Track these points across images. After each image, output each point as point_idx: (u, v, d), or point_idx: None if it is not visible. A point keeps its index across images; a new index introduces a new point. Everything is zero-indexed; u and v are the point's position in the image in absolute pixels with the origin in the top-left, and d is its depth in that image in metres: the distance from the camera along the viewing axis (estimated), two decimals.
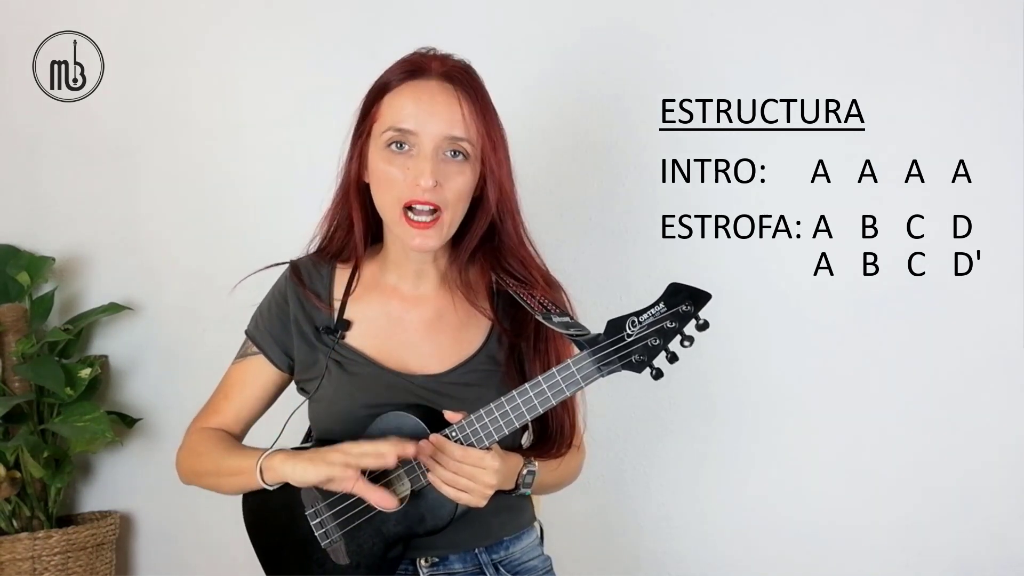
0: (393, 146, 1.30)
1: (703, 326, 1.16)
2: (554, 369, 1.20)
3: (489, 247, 1.39)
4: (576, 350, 1.20)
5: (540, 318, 1.27)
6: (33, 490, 2.19)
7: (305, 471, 1.25)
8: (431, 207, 1.29)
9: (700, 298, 1.16)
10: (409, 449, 1.21)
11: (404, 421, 1.27)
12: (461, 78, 1.32)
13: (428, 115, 1.28)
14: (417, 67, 1.32)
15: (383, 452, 1.20)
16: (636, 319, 1.17)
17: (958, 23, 1.92)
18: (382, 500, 1.22)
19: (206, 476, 1.41)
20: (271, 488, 1.31)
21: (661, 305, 1.16)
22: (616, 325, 1.17)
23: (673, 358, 1.17)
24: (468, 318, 1.40)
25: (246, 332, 1.45)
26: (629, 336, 1.16)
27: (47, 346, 2.21)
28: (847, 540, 1.97)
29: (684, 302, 1.16)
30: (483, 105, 1.32)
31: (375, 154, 1.32)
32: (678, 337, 1.16)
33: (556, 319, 1.26)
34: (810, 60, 1.96)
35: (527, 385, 1.21)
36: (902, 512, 1.96)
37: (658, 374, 1.17)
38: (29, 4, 2.31)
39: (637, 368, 1.17)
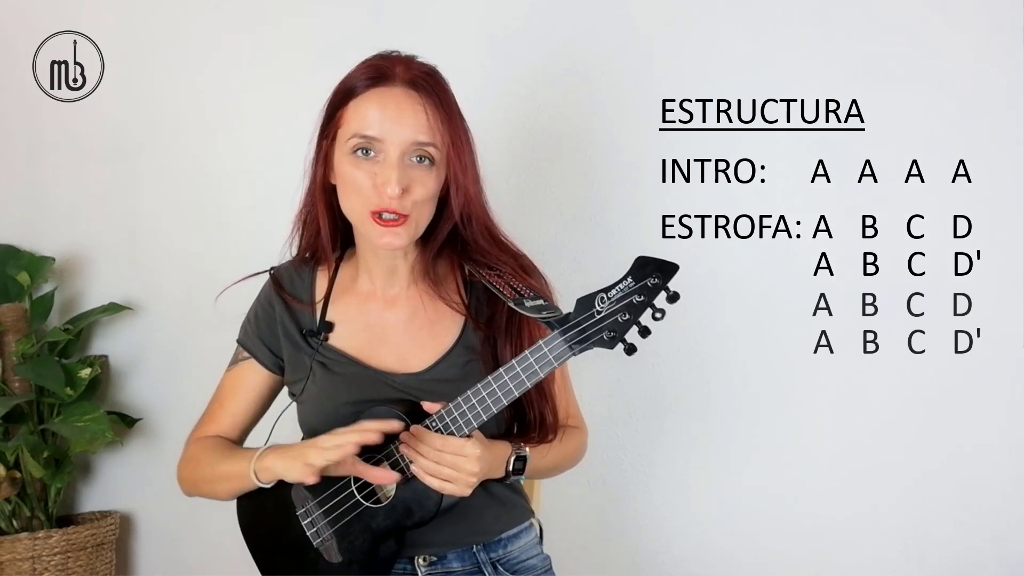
0: (359, 152, 1.31)
1: (673, 298, 1.15)
2: (527, 351, 1.20)
3: (456, 244, 1.40)
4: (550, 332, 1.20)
5: (512, 304, 1.28)
6: (33, 490, 2.19)
7: (289, 470, 1.27)
8: (398, 214, 1.30)
9: (668, 270, 1.15)
10: (374, 427, 1.23)
11: (386, 415, 1.28)
12: (425, 84, 1.32)
13: (393, 122, 1.29)
14: (382, 73, 1.32)
15: (350, 439, 1.23)
16: (605, 295, 1.16)
17: (958, 23, 1.92)
18: (382, 477, 1.24)
19: (204, 484, 1.43)
20: (267, 487, 1.32)
21: (629, 279, 1.16)
22: (585, 302, 1.17)
23: (645, 332, 1.16)
24: (443, 312, 1.41)
25: (237, 340, 1.48)
26: (599, 313, 1.16)
27: (47, 346, 2.21)
28: (847, 539, 1.97)
29: (652, 275, 1.15)
30: (448, 111, 1.32)
31: (341, 159, 1.33)
32: (649, 311, 1.15)
33: (528, 303, 1.26)
34: (810, 60, 1.96)
35: (502, 370, 1.22)
36: (902, 511, 1.96)
37: (631, 349, 1.16)
38: (29, 4, 2.31)
39: (609, 345, 1.17)
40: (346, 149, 1.32)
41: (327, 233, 1.40)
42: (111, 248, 2.31)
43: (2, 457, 2.13)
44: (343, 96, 1.34)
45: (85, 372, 2.16)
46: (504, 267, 1.37)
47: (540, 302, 1.28)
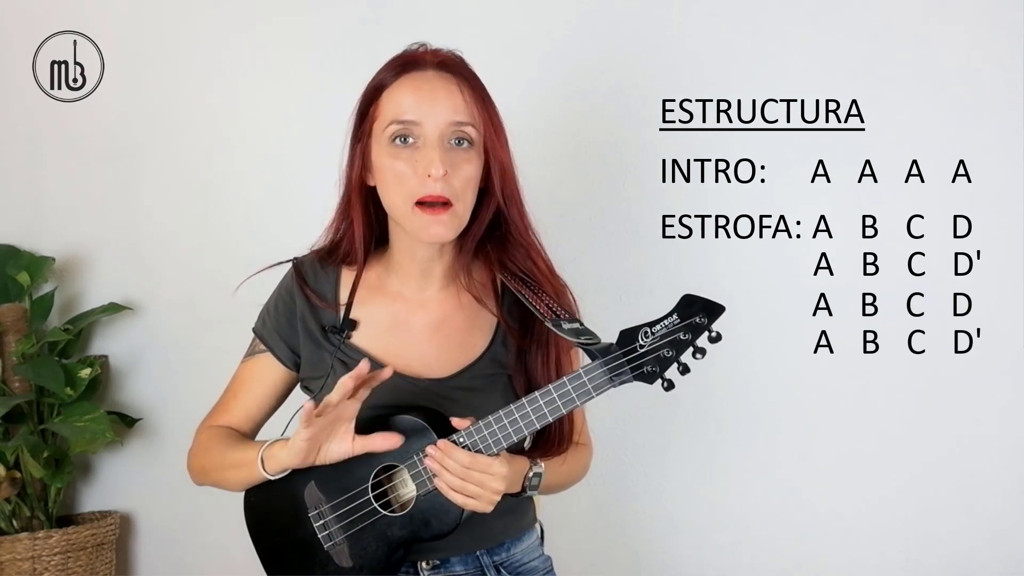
0: (398, 140, 1.29)
1: (716, 338, 1.14)
2: (565, 378, 1.19)
3: (495, 239, 1.38)
4: (582, 355, 1.19)
5: (550, 325, 1.25)
6: (33, 490, 2.19)
7: (291, 448, 1.25)
8: (442, 201, 1.28)
9: (714, 310, 1.14)
10: (363, 367, 1.21)
11: (410, 425, 1.27)
12: (457, 66, 1.32)
13: (429, 104, 1.28)
14: (411, 61, 1.31)
15: (341, 384, 1.21)
16: (649, 330, 1.15)
17: (958, 23, 1.92)
18: (384, 442, 1.23)
19: (213, 472, 1.41)
20: (273, 478, 1.31)
21: (675, 316, 1.15)
22: (629, 335, 1.16)
23: (685, 370, 1.16)
24: (473, 321, 1.39)
25: (253, 330, 1.45)
26: (642, 347, 1.15)
27: (47, 346, 2.21)
28: (847, 538, 1.97)
29: (698, 314, 1.14)
30: (482, 92, 1.32)
31: (379, 152, 1.31)
32: (690, 349, 1.15)
33: (566, 326, 1.24)
34: (810, 60, 1.96)
35: (537, 393, 1.20)
36: (902, 510, 1.96)
37: (670, 386, 1.16)
38: (29, 4, 2.31)
39: (649, 379, 1.16)
40: (384, 141, 1.30)
41: (362, 236, 1.38)
42: (111, 248, 2.31)
43: (2, 457, 2.13)
44: (373, 92, 1.32)
45: (85, 372, 2.16)
46: (538, 275, 1.35)
47: (576, 325, 1.26)
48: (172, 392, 2.28)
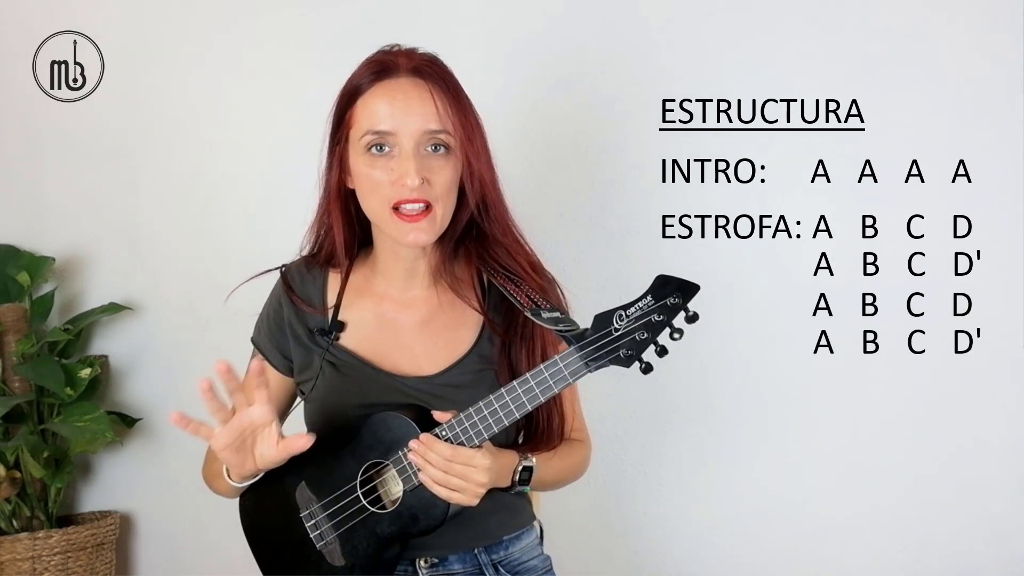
0: (373, 149, 1.30)
1: (692, 318, 1.13)
2: (541, 366, 1.19)
3: (475, 237, 1.39)
4: (565, 345, 1.19)
5: (529, 314, 1.26)
6: (33, 490, 2.19)
7: (224, 460, 1.28)
8: (421, 203, 1.29)
9: (688, 290, 1.13)
10: (207, 381, 1.23)
11: (395, 421, 1.27)
12: (430, 71, 1.31)
13: (403, 113, 1.28)
14: (385, 66, 1.31)
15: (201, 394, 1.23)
16: (623, 313, 1.15)
17: (958, 23, 1.91)
18: (301, 442, 1.23)
19: (210, 480, 1.44)
20: (239, 485, 1.33)
21: (649, 298, 1.14)
22: (603, 319, 1.16)
23: (662, 351, 1.15)
24: (459, 318, 1.40)
25: (251, 340, 1.47)
26: (616, 330, 1.14)
27: (47, 346, 2.21)
28: (847, 539, 1.97)
29: (672, 294, 1.13)
30: (455, 96, 1.32)
31: (356, 159, 1.32)
32: (667, 330, 1.14)
33: (545, 315, 1.25)
34: (810, 60, 1.96)
35: (515, 383, 1.21)
36: (902, 511, 1.96)
37: (647, 368, 1.15)
38: (29, 4, 2.31)
39: (625, 363, 1.15)
40: (360, 149, 1.30)
41: (342, 240, 1.38)
42: (111, 248, 2.32)
43: (2, 457, 2.13)
44: (349, 96, 1.33)
45: (85, 372, 2.16)
46: (520, 272, 1.36)
47: (556, 314, 1.26)
48: (172, 392, 2.28)
